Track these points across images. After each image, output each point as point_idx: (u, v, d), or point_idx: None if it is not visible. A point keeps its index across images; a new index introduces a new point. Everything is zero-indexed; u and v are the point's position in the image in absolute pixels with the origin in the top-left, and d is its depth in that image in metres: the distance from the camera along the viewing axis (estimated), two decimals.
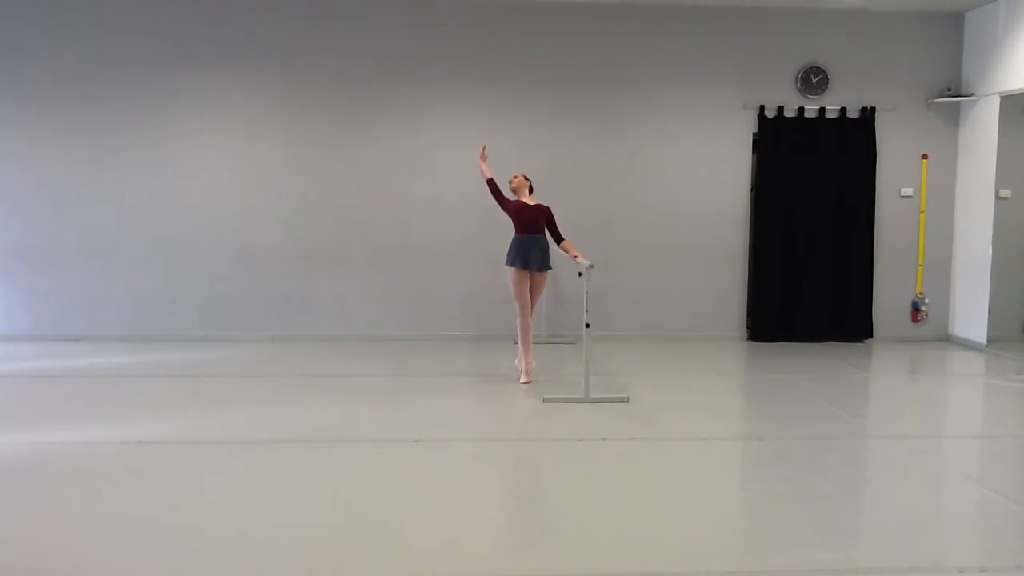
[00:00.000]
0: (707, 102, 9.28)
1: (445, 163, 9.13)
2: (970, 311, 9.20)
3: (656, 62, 9.23)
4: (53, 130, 8.92)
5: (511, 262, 7.08)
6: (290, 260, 9.15)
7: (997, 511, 4.58)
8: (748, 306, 9.48)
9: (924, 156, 9.45)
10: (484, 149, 7.52)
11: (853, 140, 9.32)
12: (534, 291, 7.19)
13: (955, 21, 9.31)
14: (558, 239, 7.23)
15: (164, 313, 9.08)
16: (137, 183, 9.00)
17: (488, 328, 9.18)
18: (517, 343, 7.32)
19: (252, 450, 5.42)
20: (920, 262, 9.55)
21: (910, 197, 9.49)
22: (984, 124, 8.98)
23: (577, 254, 7.10)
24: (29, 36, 8.82)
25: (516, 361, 7.35)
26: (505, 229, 7.31)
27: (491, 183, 7.25)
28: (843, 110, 9.31)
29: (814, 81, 9.28)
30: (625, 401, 6.59)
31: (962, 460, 5.56)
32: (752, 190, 9.40)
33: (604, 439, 5.65)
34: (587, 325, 6.59)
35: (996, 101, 8.79)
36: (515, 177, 7.38)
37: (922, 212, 9.51)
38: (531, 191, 7.42)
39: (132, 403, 6.57)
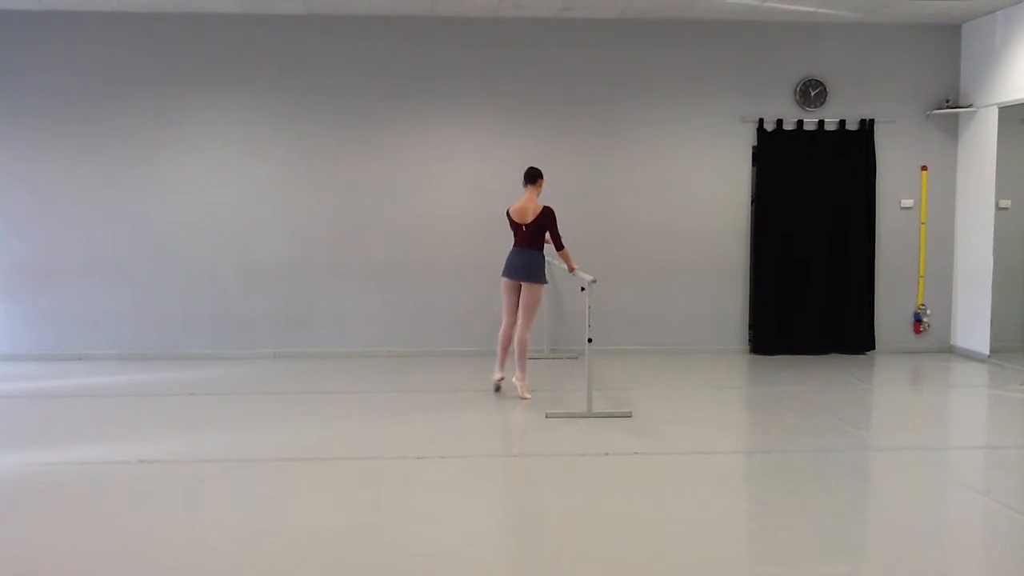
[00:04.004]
0: (706, 116, 9.30)
1: (446, 179, 9.15)
2: (972, 322, 9.19)
3: (655, 76, 9.26)
4: (53, 148, 8.94)
5: (503, 271, 7.19)
6: (292, 277, 9.15)
7: (1002, 522, 4.56)
8: (749, 319, 9.47)
9: (924, 167, 9.47)
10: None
11: (852, 152, 9.33)
12: (520, 302, 7.14)
13: (952, 33, 9.35)
14: (557, 246, 7.08)
15: (166, 331, 9.08)
16: (138, 201, 9.02)
17: (489, 344, 9.08)
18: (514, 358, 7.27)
19: (255, 468, 5.41)
20: (921, 273, 9.55)
21: (910, 208, 9.50)
22: (983, 135, 9.00)
23: (575, 267, 7.10)
24: (29, 54, 8.86)
25: (514, 379, 7.31)
26: (506, 245, 7.30)
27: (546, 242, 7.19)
28: (842, 122, 9.33)
29: (812, 94, 9.31)
30: (628, 416, 6.57)
31: (966, 471, 5.54)
32: (752, 203, 9.41)
33: (607, 454, 5.64)
34: (589, 340, 6.58)
35: (994, 112, 8.81)
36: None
37: (922, 223, 9.51)
38: (535, 179, 7.13)
39: (134, 422, 6.56)
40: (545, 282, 7.20)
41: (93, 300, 9.02)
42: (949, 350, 9.53)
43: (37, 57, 8.87)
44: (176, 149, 9.03)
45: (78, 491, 4.98)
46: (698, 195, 9.35)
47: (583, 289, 6.60)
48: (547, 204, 7.14)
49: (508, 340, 7.24)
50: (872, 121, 9.34)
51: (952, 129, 9.44)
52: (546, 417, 6.55)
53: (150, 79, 8.95)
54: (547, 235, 7.10)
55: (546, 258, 7.26)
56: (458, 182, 9.13)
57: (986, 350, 8.92)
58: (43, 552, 4.11)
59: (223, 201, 9.08)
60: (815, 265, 9.35)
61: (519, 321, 7.14)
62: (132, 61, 8.94)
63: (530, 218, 7.02)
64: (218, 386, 7.85)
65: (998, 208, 8.90)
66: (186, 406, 7.08)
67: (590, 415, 6.52)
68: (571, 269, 7.15)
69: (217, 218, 9.08)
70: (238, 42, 8.98)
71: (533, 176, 7.15)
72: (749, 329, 9.49)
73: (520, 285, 7.08)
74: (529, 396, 7.14)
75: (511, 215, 7.10)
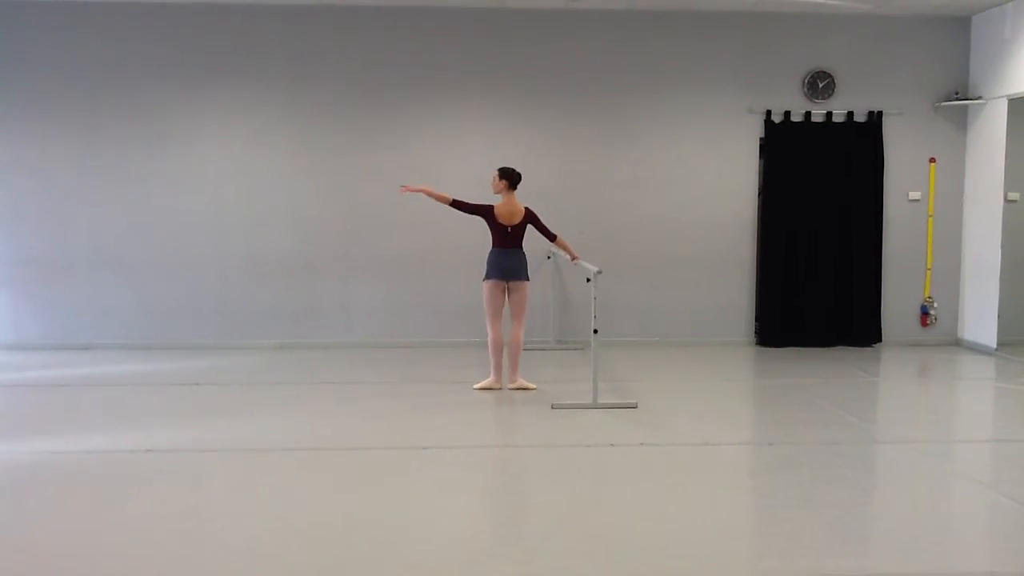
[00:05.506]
0: (713, 108, 9.27)
1: (451, 171, 9.13)
2: (979, 315, 9.16)
3: (662, 68, 9.23)
4: (61, 139, 8.96)
5: (487, 275, 7.02)
6: (297, 268, 9.17)
7: (1008, 515, 4.55)
8: (756, 311, 9.46)
9: (932, 160, 9.43)
10: (404, 189, 7.23)
11: (860, 144, 9.30)
12: (514, 302, 7.06)
13: (961, 24, 9.30)
14: (550, 236, 7.13)
15: (172, 321, 9.10)
16: (144, 192, 9.03)
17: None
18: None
19: (260, 458, 5.42)
20: (929, 266, 9.52)
21: (918, 201, 9.47)
22: (992, 127, 8.95)
23: (576, 255, 7.11)
24: (37, 45, 8.86)
25: (509, 386, 7.17)
26: None
27: (455, 204, 6.96)
28: (850, 114, 9.29)
29: (820, 86, 9.27)
30: (634, 407, 6.57)
31: (972, 464, 5.53)
32: (759, 195, 9.38)
33: (613, 445, 5.64)
34: (595, 331, 6.59)
35: (1004, 104, 8.76)
36: (495, 181, 7.06)
37: (930, 216, 9.48)
38: (516, 182, 7.06)
39: (140, 412, 6.58)
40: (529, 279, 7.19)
41: (100, 290, 9.05)
42: (956, 343, 9.51)
43: (44, 48, 8.88)
44: (183, 140, 9.04)
45: (85, 480, 4.99)
46: (705, 187, 9.33)
47: (589, 280, 6.60)
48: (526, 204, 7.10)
49: (503, 345, 7.19)
50: (880, 113, 9.30)
51: (961, 121, 9.40)
52: (552, 408, 6.55)
53: (158, 70, 8.96)
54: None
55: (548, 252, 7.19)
56: (464, 173, 9.09)
57: (993, 343, 8.90)
58: (50, 540, 4.13)
59: (230, 192, 9.10)
60: (822, 257, 9.33)
61: (516, 321, 7.10)
62: (140, 52, 8.94)
63: (517, 220, 7.00)
64: (224, 376, 7.86)
65: (1006, 201, 8.88)
66: (192, 396, 7.10)
67: (596, 406, 6.52)
68: (573, 257, 7.16)
69: (224, 209, 9.10)
70: (246, 33, 8.98)
71: (519, 179, 7.08)
72: (755, 321, 9.47)
73: (506, 287, 7.06)
74: (535, 386, 7.14)
75: (498, 217, 6.96)
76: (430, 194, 7.11)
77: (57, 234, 9.02)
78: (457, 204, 6.99)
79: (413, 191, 7.22)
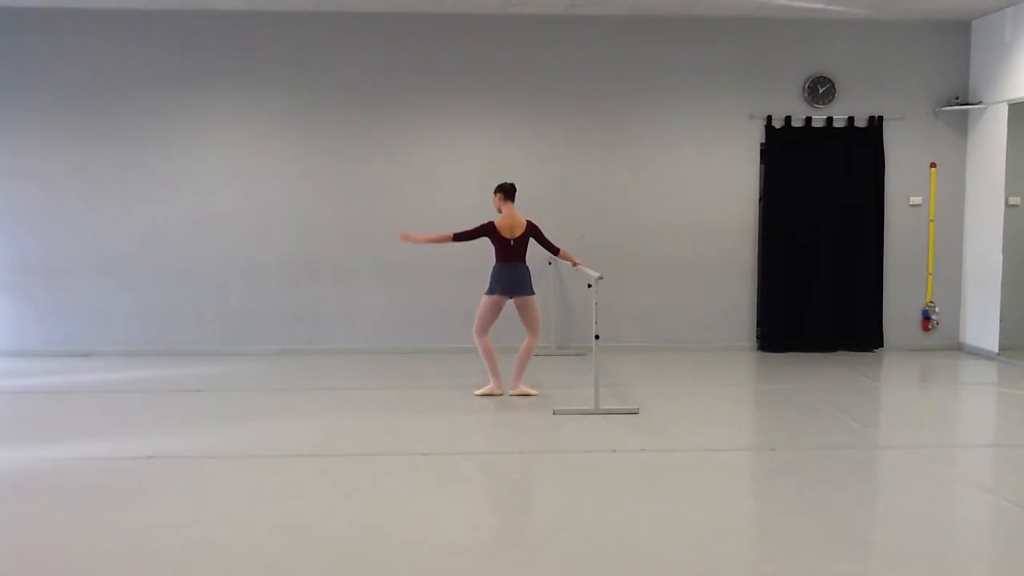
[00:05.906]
0: (714, 113, 9.28)
1: (453, 177, 9.15)
2: (981, 319, 9.16)
3: (663, 73, 9.24)
4: (62, 145, 8.97)
5: (489, 290, 7.00)
6: (299, 274, 9.17)
7: (1010, 520, 4.54)
8: (757, 316, 9.46)
9: (932, 165, 9.44)
10: (403, 237, 7.22)
11: (861, 149, 9.30)
12: (525, 317, 7.07)
13: (962, 29, 9.31)
14: (553, 250, 7.15)
15: (173, 328, 9.10)
16: (146, 198, 9.04)
17: (495, 341, 9.13)
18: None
19: (262, 464, 5.42)
20: (930, 271, 9.51)
21: (919, 206, 9.47)
22: (993, 132, 8.96)
23: (577, 262, 7.14)
24: (39, 51, 8.88)
25: (511, 392, 7.18)
26: None
27: (457, 238, 6.97)
28: (850, 119, 9.30)
29: (821, 91, 9.27)
30: (635, 413, 6.57)
31: (975, 469, 5.53)
32: (760, 200, 9.39)
33: (614, 451, 5.64)
34: (597, 337, 6.59)
35: (1004, 109, 8.77)
36: (493, 200, 7.13)
37: (931, 221, 9.48)
38: (511, 193, 7.09)
39: (142, 418, 6.59)
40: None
41: (102, 297, 9.05)
42: (958, 348, 9.50)
43: (47, 55, 8.90)
44: (185, 146, 9.05)
45: (86, 487, 4.99)
46: (706, 192, 9.33)
47: (590, 286, 6.60)
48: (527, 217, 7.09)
49: (494, 351, 7.17)
50: (881, 118, 9.30)
51: (961, 126, 9.40)
52: (553, 414, 6.55)
53: (159, 77, 8.97)
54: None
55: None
56: (465, 180, 9.11)
57: (995, 348, 8.89)
58: (51, 547, 4.13)
59: (231, 198, 9.10)
60: (823, 262, 9.33)
61: (531, 335, 7.08)
62: (141, 59, 8.96)
63: (519, 232, 6.99)
64: (226, 383, 7.87)
65: (1007, 205, 8.87)
66: (194, 402, 7.10)
67: (597, 412, 6.52)
68: (575, 264, 7.19)
69: (225, 215, 9.10)
70: (247, 40, 9.00)
71: (513, 189, 7.10)
72: (757, 326, 9.47)
73: (509, 302, 7.05)
74: (536, 392, 7.14)
75: (500, 231, 6.95)
76: (429, 240, 7.20)
77: (59, 240, 9.03)
78: (459, 237, 6.99)
79: (412, 241, 7.21)
